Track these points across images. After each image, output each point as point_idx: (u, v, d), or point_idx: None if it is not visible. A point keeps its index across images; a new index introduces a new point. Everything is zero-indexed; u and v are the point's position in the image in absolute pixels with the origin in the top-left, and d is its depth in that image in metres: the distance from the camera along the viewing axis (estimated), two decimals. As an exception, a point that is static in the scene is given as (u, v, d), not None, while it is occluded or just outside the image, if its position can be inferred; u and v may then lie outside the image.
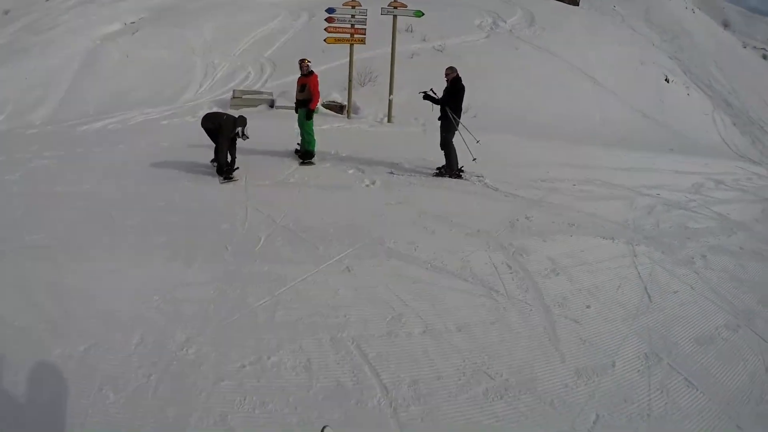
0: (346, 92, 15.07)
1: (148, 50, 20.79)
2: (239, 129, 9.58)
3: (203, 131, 9.65)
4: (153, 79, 19.35)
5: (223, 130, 9.43)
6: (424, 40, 20.95)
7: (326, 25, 14.14)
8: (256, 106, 15.78)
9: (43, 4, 27.23)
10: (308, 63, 10.23)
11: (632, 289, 6.38)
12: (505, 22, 23.76)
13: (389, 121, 14.55)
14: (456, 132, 9.69)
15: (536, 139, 14.12)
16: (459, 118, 9.62)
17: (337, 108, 15.71)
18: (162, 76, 19.45)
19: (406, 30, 20.66)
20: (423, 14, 14.64)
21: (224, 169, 9.42)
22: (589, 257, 7.06)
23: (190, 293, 5.76)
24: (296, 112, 10.49)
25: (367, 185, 9.15)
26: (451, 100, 9.54)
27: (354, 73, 14.97)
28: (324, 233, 7.14)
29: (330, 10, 14.06)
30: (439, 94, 9.81)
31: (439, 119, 9.80)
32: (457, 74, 9.60)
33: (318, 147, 10.57)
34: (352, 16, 14.07)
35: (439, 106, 9.77)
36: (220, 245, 6.87)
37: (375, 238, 7.03)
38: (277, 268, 6.25)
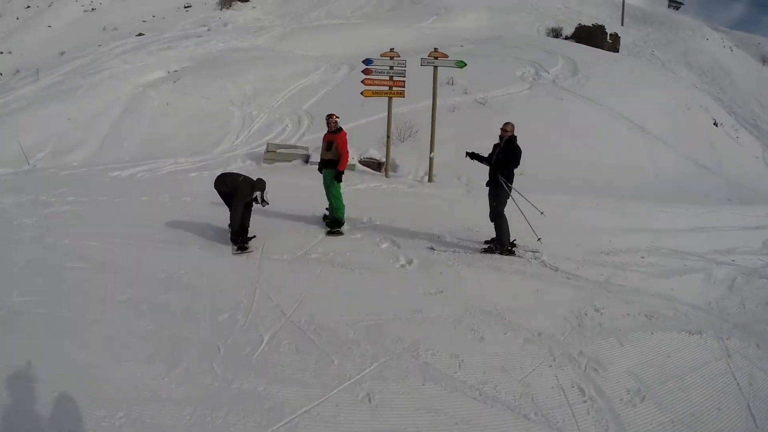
0: (385, 148, 13.44)
1: (188, 99, 19.97)
2: (257, 194, 8.05)
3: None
4: (191, 128, 18.51)
5: (238, 193, 7.92)
6: (466, 92, 19.41)
7: (364, 77, 12.66)
8: (290, 160, 14.37)
9: (96, 48, 27.06)
10: (336, 119, 8.66)
11: (733, 411, 4.66)
12: (548, 72, 22.09)
13: (430, 180, 12.85)
14: (509, 200, 7.85)
15: (589, 197, 12.29)
16: (511, 183, 7.80)
17: (375, 165, 14.08)
18: (200, 126, 18.57)
19: (447, 83, 19.19)
20: (465, 64, 13.08)
21: (238, 237, 7.85)
22: (678, 365, 5.24)
23: (162, 414, 4.32)
24: (320, 171, 8.85)
25: (402, 265, 7.33)
26: (505, 164, 7.67)
27: (393, 128, 13.39)
28: (343, 337, 5.40)
29: (367, 62, 12.62)
30: (486, 154, 8.06)
31: (487, 185, 7.94)
32: (514, 132, 7.78)
33: (350, 212, 8.94)
34: (391, 67, 12.58)
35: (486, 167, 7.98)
36: (213, 344, 5.30)
37: (407, 347, 5.24)
38: (275, 390, 4.57)
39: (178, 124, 18.68)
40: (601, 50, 28.41)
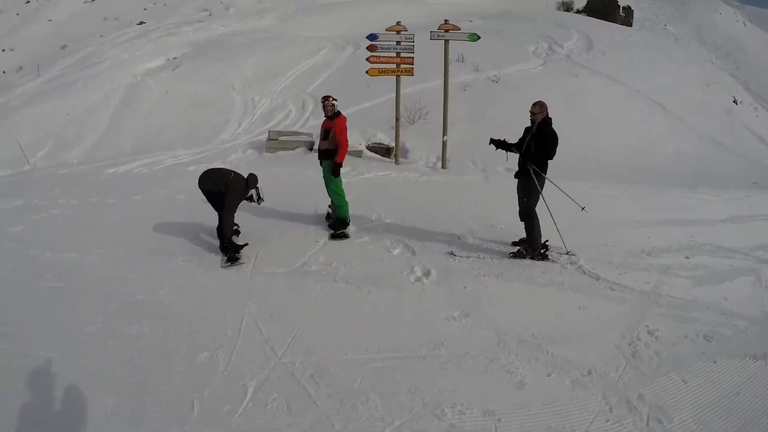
0: (393, 132, 12.05)
1: (188, 86, 18.60)
2: (252, 192, 6.82)
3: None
4: (191, 116, 17.18)
5: (231, 193, 6.68)
6: (477, 70, 17.88)
7: (369, 54, 11.22)
8: (293, 148, 12.98)
9: (97, 39, 25.74)
10: (333, 102, 7.20)
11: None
12: (562, 47, 20.47)
13: (443, 166, 11.43)
14: (541, 196, 6.50)
15: (614, 183, 10.93)
16: (545, 175, 6.44)
17: (384, 151, 12.64)
18: (200, 114, 17.22)
19: (457, 60, 17.64)
20: (479, 37, 11.50)
21: (229, 246, 6.60)
22: (749, 405, 4.16)
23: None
24: (321, 164, 7.49)
25: (418, 278, 5.99)
26: (538, 152, 6.26)
27: (401, 110, 11.96)
28: (346, 387, 4.14)
29: (372, 37, 11.12)
30: (514, 138, 6.72)
31: (516, 176, 6.54)
32: (548, 114, 6.36)
33: (357, 207, 7.69)
34: (398, 43, 11.09)
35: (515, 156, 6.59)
36: (186, 398, 4.11)
37: (428, 401, 3.97)
38: (259, 475, 3.35)
39: (178, 112, 17.31)
40: (614, 24, 26.62)
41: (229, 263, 6.48)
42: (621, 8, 30.95)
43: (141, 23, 28.32)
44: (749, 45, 33.57)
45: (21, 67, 26.31)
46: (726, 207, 9.41)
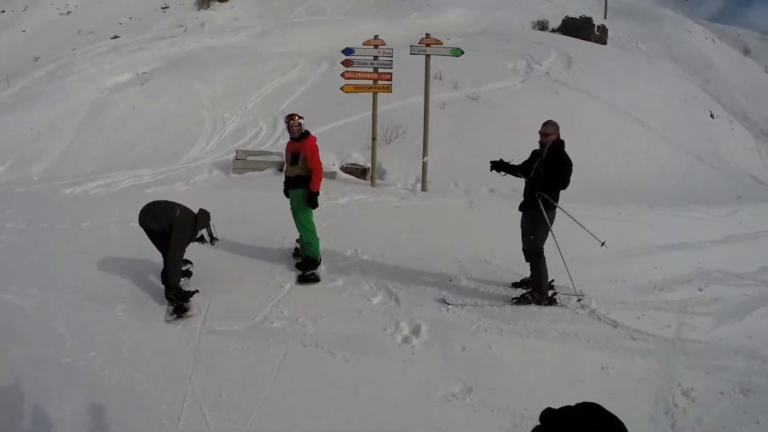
0: (369, 152, 10.88)
1: (155, 102, 17.21)
2: (203, 231, 5.52)
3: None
4: (158, 134, 15.84)
5: (177, 232, 5.37)
6: (456, 87, 16.88)
7: (344, 69, 10.06)
8: (262, 169, 11.69)
9: (69, 51, 24.20)
10: (300, 120, 5.94)
11: None
12: (541, 64, 19.63)
13: (424, 188, 10.28)
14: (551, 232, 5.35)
15: (602, 204, 9.97)
16: (557, 204, 5.29)
17: (359, 172, 11.41)
18: (167, 131, 15.89)
19: (435, 77, 16.50)
20: (462, 52, 10.55)
21: (177, 295, 5.30)
22: None
23: None
24: (286, 195, 6.26)
25: (406, 338, 4.71)
26: (549, 180, 5.16)
27: (378, 129, 10.80)
28: None
29: (347, 51, 9.97)
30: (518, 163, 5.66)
31: (520, 208, 5.43)
32: (560, 136, 5.28)
33: (329, 240, 6.51)
34: (375, 58, 9.96)
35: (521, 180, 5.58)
36: None
37: None
38: None
39: (144, 129, 15.93)
40: (590, 42, 26.08)
41: (175, 315, 5.17)
42: (596, 27, 30.49)
43: (115, 37, 26.82)
44: (719, 61, 33.79)
45: (-9, 78, 24.65)
46: (719, 226, 8.83)
